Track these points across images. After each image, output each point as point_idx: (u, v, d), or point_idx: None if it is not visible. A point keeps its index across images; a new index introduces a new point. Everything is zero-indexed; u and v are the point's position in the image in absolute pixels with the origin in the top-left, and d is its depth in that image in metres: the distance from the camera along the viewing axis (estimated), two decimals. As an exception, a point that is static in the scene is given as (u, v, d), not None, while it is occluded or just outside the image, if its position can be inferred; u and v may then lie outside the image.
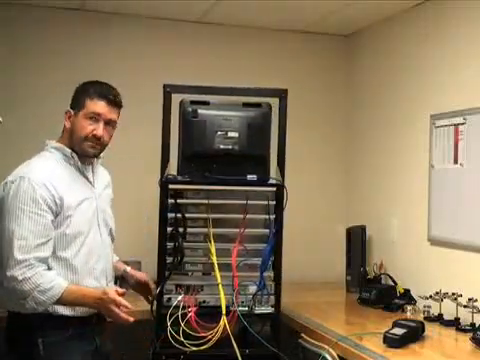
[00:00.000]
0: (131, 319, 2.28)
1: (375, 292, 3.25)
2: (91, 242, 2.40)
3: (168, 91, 2.72)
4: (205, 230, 2.69)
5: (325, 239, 3.99)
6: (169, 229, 2.67)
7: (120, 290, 2.31)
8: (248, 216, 2.69)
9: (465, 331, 2.70)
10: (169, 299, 2.64)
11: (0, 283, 2.25)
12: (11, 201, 2.25)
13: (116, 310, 2.26)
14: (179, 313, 2.53)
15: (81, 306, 2.31)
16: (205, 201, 2.71)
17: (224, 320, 2.50)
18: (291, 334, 2.85)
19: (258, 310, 2.69)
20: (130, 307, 2.28)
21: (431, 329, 2.73)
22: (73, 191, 2.36)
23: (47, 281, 2.21)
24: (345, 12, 3.59)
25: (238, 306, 2.59)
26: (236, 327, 2.58)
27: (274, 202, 2.74)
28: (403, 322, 2.60)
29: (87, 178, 2.46)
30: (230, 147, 2.62)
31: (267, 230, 2.73)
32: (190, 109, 2.63)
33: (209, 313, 2.58)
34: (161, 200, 2.66)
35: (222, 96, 2.80)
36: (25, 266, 2.19)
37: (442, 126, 3.15)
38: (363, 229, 3.63)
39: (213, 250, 2.64)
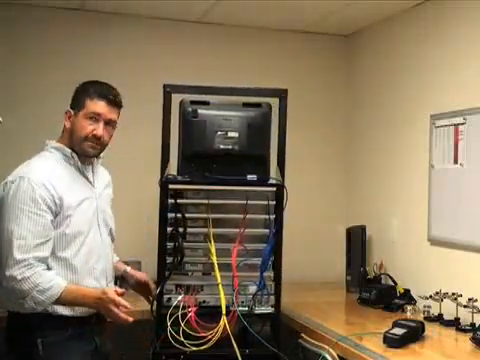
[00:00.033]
0: (130, 319, 2.28)
1: (375, 292, 3.25)
2: (91, 242, 2.39)
3: (168, 91, 2.71)
4: (205, 230, 2.68)
5: (325, 239, 3.99)
6: (169, 229, 2.67)
7: (119, 290, 2.30)
8: (248, 216, 2.69)
9: (465, 331, 2.70)
10: (169, 299, 2.64)
11: None
12: (11, 201, 2.25)
13: (115, 310, 2.25)
14: (179, 313, 2.53)
15: (80, 306, 2.31)
16: (205, 201, 2.71)
17: (224, 320, 2.50)
18: (291, 334, 2.84)
19: (258, 310, 2.68)
20: (129, 307, 2.28)
21: (431, 329, 2.73)
22: (73, 191, 2.36)
23: (46, 281, 2.21)
24: (345, 12, 3.59)
25: (238, 306, 2.59)
26: (236, 327, 2.58)
27: (274, 202, 2.74)
28: (403, 322, 2.60)
29: (87, 178, 2.46)
30: (230, 147, 2.62)
31: (267, 230, 2.73)
32: (190, 109, 2.63)
33: (209, 313, 2.58)
34: (161, 200, 2.66)
35: (222, 96, 2.80)
36: (24, 266, 2.19)
37: (442, 126, 3.15)
38: (363, 229, 3.63)
39: (213, 250, 2.64)
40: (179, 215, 2.66)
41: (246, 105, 2.69)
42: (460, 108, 3.01)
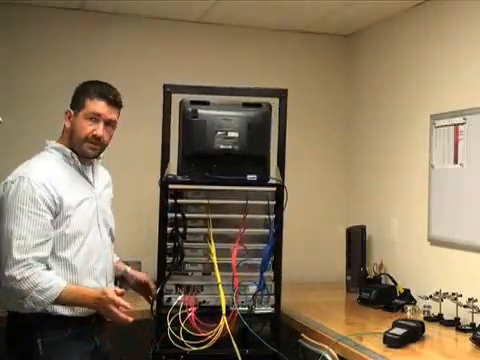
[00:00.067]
0: (130, 319, 2.28)
1: (375, 292, 3.25)
2: (91, 242, 2.39)
3: (168, 91, 2.72)
4: (205, 230, 2.68)
5: (325, 239, 3.99)
6: (169, 229, 2.67)
7: (119, 290, 2.30)
8: (248, 216, 2.69)
9: (465, 331, 2.70)
10: (169, 299, 2.64)
11: (-1, 283, 2.26)
12: (10, 201, 2.25)
13: (115, 310, 2.25)
14: (179, 313, 2.52)
15: (80, 306, 2.31)
16: (205, 201, 2.71)
17: (224, 320, 2.50)
18: (291, 334, 2.84)
19: (258, 310, 2.68)
20: (129, 307, 2.28)
21: (431, 329, 2.72)
22: (73, 191, 2.36)
23: (45, 281, 2.21)
24: (345, 12, 3.59)
25: (238, 306, 2.59)
26: (236, 327, 2.58)
27: (274, 202, 2.74)
28: (403, 322, 2.60)
29: (87, 178, 2.46)
30: (230, 147, 2.62)
31: (267, 230, 2.73)
32: (190, 109, 2.63)
33: (209, 313, 2.58)
34: (161, 200, 2.66)
35: (222, 96, 2.80)
36: (23, 266, 2.19)
37: (442, 126, 3.15)
38: (363, 229, 3.63)
39: (213, 250, 2.64)
40: (179, 215, 2.66)
41: (246, 105, 2.69)
42: (460, 108, 3.01)
